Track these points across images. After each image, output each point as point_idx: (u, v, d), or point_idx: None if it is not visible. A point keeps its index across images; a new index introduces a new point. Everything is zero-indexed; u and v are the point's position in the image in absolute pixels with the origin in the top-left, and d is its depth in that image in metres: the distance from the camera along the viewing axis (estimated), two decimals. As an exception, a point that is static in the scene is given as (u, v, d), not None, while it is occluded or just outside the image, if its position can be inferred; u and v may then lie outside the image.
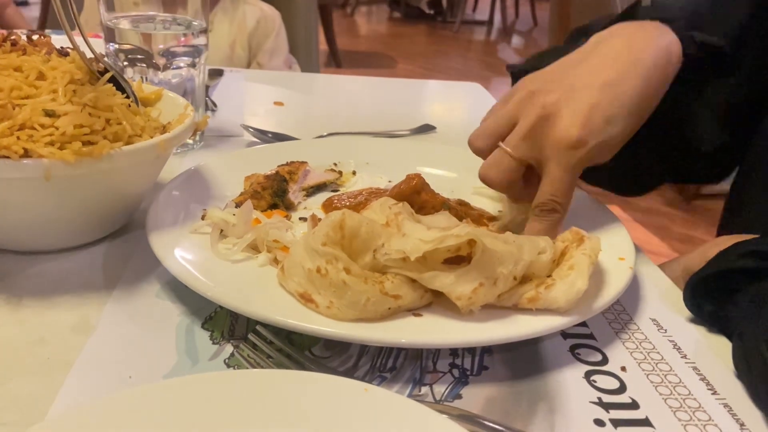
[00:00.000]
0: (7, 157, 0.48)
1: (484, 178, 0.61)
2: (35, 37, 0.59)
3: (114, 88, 0.58)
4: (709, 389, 0.48)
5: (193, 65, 0.81)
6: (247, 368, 0.46)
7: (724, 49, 0.66)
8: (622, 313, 0.57)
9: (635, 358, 0.51)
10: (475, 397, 0.46)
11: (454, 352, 0.50)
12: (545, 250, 0.52)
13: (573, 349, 0.51)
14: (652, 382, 0.48)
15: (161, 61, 0.78)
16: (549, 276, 0.51)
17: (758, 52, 0.68)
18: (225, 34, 1.62)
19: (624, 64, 0.60)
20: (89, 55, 0.59)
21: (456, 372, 0.48)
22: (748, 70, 0.68)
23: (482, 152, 0.62)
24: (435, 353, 0.49)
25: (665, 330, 0.55)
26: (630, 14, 0.68)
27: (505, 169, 0.60)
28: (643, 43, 0.62)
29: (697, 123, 0.69)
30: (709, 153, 0.71)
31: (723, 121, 0.69)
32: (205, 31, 0.81)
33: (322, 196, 0.71)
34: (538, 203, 0.59)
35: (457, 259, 0.50)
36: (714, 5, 0.71)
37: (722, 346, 0.53)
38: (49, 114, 0.50)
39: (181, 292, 0.53)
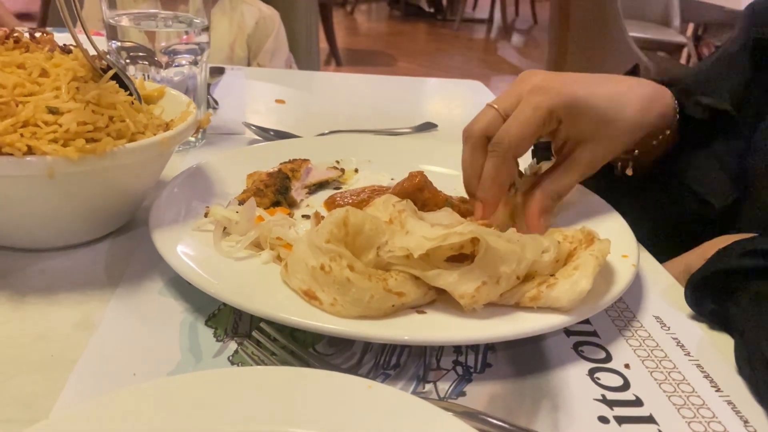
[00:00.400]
0: (11, 155, 0.48)
1: (465, 130, 0.63)
2: (38, 34, 0.59)
3: (117, 85, 0.58)
4: (712, 386, 0.48)
5: (195, 63, 0.81)
6: (251, 365, 0.46)
7: (730, 111, 0.67)
8: (626, 310, 0.57)
9: (639, 356, 0.51)
10: (479, 394, 0.46)
11: (457, 349, 0.50)
12: (549, 249, 0.52)
13: (576, 346, 0.51)
14: (655, 379, 0.48)
15: (163, 59, 0.78)
16: (552, 275, 0.51)
17: (757, 114, 0.70)
18: (225, 34, 1.61)
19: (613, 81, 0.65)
20: (92, 52, 0.59)
21: (460, 369, 0.48)
22: (748, 131, 0.70)
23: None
24: (438, 350, 0.49)
25: (669, 327, 0.55)
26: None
27: (485, 118, 0.61)
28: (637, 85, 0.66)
29: (705, 173, 0.69)
30: (724, 213, 0.69)
31: (732, 176, 0.69)
32: (207, 29, 0.81)
33: (325, 194, 0.71)
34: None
35: (460, 257, 0.50)
36: (715, 70, 0.74)
37: (725, 344, 0.53)
38: (53, 111, 0.50)
39: (184, 289, 0.53)
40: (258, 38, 1.67)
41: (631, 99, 0.62)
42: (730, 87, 0.71)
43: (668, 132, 0.67)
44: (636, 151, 0.68)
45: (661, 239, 0.71)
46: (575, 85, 0.60)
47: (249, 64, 1.68)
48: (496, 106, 0.61)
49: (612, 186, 0.71)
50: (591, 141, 0.61)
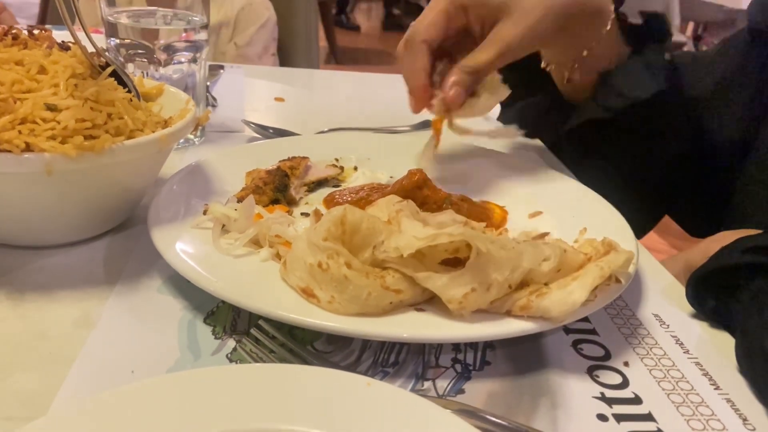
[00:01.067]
0: (9, 152, 0.48)
1: (411, 27, 0.67)
2: (36, 31, 0.59)
3: (115, 82, 0.58)
4: (711, 384, 0.48)
5: (194, 60, 0.81)
6: (250, 363, 0.46)
7: (660, 15, 0.75)
8: (625, 308, 0.57)
9: (638, 354, 0.51)
10: (478, 392, 0.46)
11: (456, 347, 0.50)
12: (549, 257, 0.49)
13: (575, 344, 0.51)
14: (654, 377, 0.48)
15: (162, 57, 0.78)
16: (546, 284, 0.49)
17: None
18: (213, 14, 1.65)
19: None
20: (90, 49, 0.59)
21: (458, 367, 0.48)
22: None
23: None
24: (437, 348, 0.49)
25: (668, 325, 0.55)
26: None
27: (435, 10, 0.65)
28: None
29: (630, 73, 0.75)
30: (645, 104, 0.74)
31: (655, 72, 0.75)
32: (206, 27, 0.81)
33: (324, 192, 0.71)
34: None
35: (455, 261, 0.50)
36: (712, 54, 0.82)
37: (725, 342, 0.53)
38: (51, 108, 0.50)
39: (183, 287, 0.53)
40: (243, 23, 1.73)
41: None
42: (724, 67, 0.78)
43: (605, 31, 0.71)
44: (585, 52, 0.72)
45: (637, 186, 0.77)
46: None
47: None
48: None
49: (591, 136, 0.76)
50: (506, 17, 0.63)
